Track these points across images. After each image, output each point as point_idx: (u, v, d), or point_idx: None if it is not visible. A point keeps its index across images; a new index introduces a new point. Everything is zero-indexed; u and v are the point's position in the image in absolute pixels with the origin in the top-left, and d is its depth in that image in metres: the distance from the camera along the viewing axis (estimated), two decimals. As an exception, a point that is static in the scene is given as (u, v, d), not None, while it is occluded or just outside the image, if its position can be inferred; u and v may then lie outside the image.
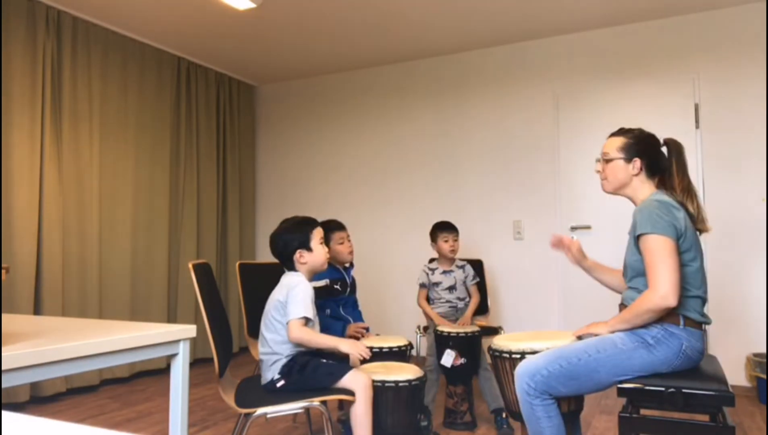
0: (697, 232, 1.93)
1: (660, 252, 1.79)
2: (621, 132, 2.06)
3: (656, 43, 4.16)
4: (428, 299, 3.46)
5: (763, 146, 3.83)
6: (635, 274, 1.93)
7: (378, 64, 5.10)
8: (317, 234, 2.22)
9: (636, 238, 1.88)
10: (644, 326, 1.83)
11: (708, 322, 1.86)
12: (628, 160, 2.00)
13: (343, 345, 2.07)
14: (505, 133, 4.62)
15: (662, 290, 1.76)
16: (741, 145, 3.89)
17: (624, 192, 2.04)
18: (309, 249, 2.19)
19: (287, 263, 2.22)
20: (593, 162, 4.16)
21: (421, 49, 4.75)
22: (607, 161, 2.04)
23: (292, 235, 2.19)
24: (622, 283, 2.14)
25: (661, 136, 2.07)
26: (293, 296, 2.09)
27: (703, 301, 1.87)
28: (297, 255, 2.18)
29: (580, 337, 1.98)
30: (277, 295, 2.15)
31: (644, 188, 2.00)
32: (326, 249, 2.26)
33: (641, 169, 1.99)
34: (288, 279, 2.18)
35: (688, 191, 1.95)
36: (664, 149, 2.03)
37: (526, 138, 4.54)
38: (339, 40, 4.55)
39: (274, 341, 2.11)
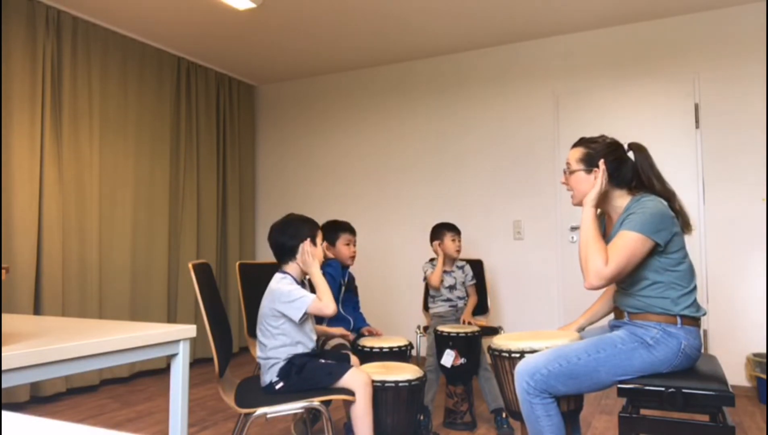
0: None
1: (632, 247, 1.77)
2: (581, 142, 2.00)
3: (656, 43, 4.16)
4: (429, 297, 3.47)
5: (763, 146, 3.83)
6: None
7: (378, 64, 5.10)
8: (319, 234, 2.27)
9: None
10: (643, 327, 1.84)
11: (703, 313, 1.86)
12: (589, 171, 1.94)
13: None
14: (505, 133, 4.62)
15: (606, 271, 1.77)
16: (741, 145, 3.89)
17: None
18: (314, 243, 2.22)
19: (287, 256, 2.22)
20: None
21: (421, 49, 4.75)
22: (570, 173, 2.00)
23: (301, 228, 2.22)
24: (610, 300, 2.15)
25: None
26: (287, 297, 2.10)
27: (696, 291, 1.88)
28: (306, 243, 2.18)
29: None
30: (267, 302, 2.16)
31: (614, 198, 1.94)
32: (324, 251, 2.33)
33: None
34: (271, 285, 2.19)
35: (672, 194, 1.91)
36: (631, 154, 1.96)
37: (526, 138, 4.54)
38: (339, 40, 4.55)
39: (270, 346, 2.13)
